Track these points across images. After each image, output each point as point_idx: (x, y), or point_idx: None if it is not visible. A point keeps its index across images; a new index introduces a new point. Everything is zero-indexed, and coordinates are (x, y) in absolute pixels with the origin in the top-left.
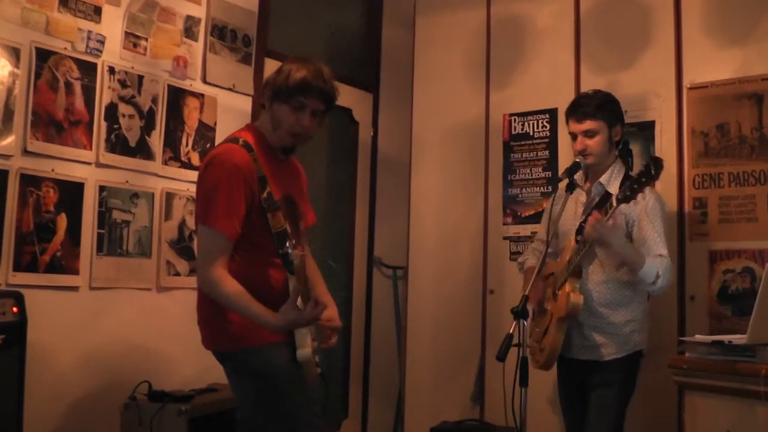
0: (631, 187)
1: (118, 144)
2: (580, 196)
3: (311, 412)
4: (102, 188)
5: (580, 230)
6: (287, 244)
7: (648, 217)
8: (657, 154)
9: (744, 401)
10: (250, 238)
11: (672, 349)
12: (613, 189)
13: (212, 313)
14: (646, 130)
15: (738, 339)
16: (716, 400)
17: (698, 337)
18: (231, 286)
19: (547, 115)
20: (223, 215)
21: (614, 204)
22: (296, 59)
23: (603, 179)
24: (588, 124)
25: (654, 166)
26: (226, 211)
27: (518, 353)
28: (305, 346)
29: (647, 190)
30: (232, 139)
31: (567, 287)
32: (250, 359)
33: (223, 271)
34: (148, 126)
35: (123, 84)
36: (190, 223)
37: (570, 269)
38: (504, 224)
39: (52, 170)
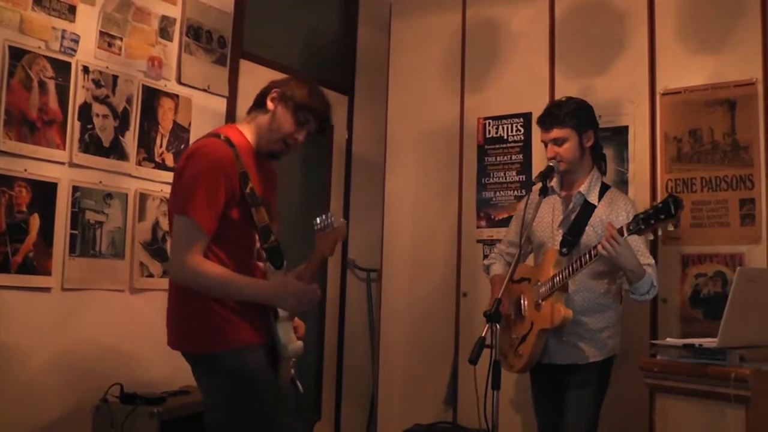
0: (647, 222)
1: (91, 144)
2: (556, 203)
3: (286, 415)
4: (75, 188)
5: (565, 243)
6: (272, 237)
7: None
8: (631, 159)
9: (714, 404)
10: (232, 236)
11: (644, 352)
12: (593, 198)
13: (186, 313)
14: (620, 135)
15: (709, 342)
16: (687, 403)
17: (670, 341)
18: (213, 267)
19: (522, 119)
20: (201, 207)
21: (625, 234)
22: (312, 83)
23: (582, 189)
24: (556, 132)
25: (674, 206)
26: (205, 203)
27: (491, 356)
28: (294, 341)
29: (622, 198)
30: (214, 135)
31: (553, 300)
32: (227, 362)
33: (201, 257)
34: (123, 126)
35: (97, 84)
36: (164, 224)
37: (560, 284)
38: (478, 227)
39: (25, 170)
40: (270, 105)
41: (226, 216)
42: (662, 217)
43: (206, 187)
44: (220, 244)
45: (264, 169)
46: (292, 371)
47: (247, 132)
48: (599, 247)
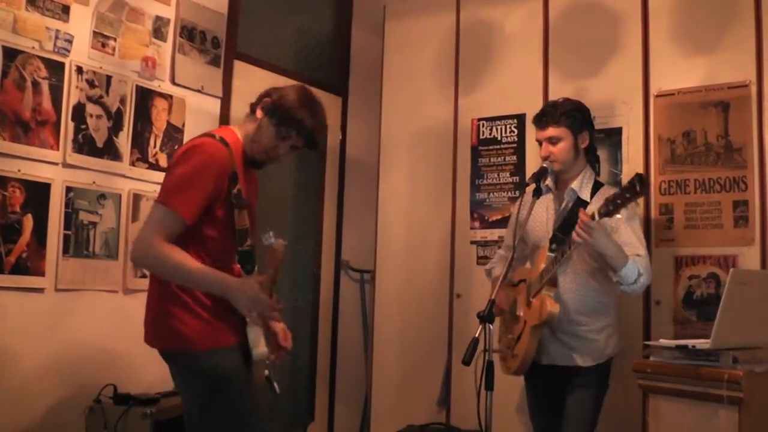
0: (615, 203)
1: (85, 144)
2: (550, 203)
3: (261, 417)
4: (69, 189)
5: (554, 239)
6: (248, 241)
7: (626, 220)
8: (624, 161)
9: (707, 405)
10: (211, 235)
11: (637, 353)
12: (585, 195)
13: (164, 311)
14: (614, 136)
15: (702, 344)
16: (680, 404)
17: (663, 342)
18: (176, 251)
19: (515, 121)
20: (187, 200)
21: (596, 218)
22: (310, 96)
23: (575, 185)
24: (550, 131)
25: (639, 183)
26: (191, 197)
27: (484, 357)
28: (260, 346)
29: None
30: (209, 135)
31: (542, 296)
32: (203, 362)
33: (168, 243)
34: (116, 126)
35: (91, 84)
36: None
37: (546, 278)
38: (471, 228)
39: (19, 170)
40: (258, 114)
41: (212, 214)
42: (628, 196)
43: (194, 183)
44: (203, 242)
45: (250, 175)
46: (267, 372)
47: (240, 135)
48: (573, 234)
